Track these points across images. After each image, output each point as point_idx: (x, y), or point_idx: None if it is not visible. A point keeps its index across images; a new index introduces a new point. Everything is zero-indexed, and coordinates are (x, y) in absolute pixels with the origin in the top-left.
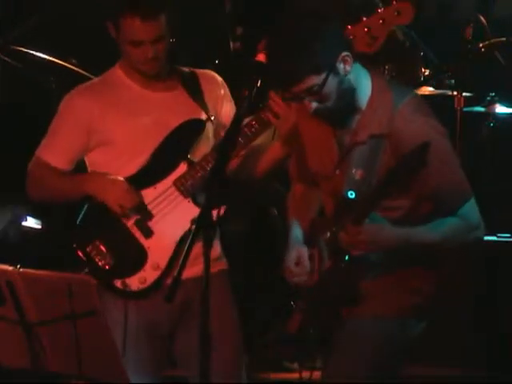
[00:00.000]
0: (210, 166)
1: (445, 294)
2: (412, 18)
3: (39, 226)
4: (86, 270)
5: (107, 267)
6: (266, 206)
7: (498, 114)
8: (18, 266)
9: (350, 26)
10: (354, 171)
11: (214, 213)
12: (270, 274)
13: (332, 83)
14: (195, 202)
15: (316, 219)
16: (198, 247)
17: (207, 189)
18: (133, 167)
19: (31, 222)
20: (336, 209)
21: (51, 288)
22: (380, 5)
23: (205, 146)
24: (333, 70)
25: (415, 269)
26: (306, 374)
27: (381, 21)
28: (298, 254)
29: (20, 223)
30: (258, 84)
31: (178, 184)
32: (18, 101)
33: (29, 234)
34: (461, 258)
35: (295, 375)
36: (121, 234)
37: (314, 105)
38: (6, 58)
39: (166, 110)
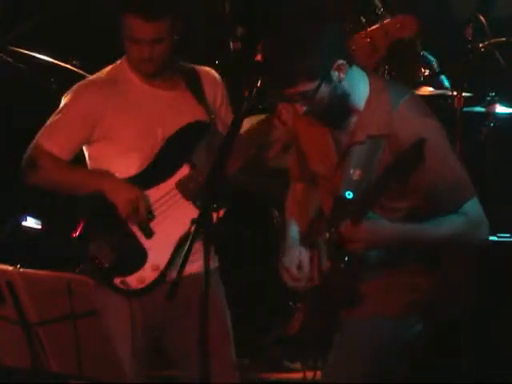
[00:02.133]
0: None
1: (445, 291)
2: (415, 32)
3: (39, 226)
4: (81, 266)
5: (107, 265)
6: (266, 207)
7: (498, 114)
8: (18, 266)
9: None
10: (352, 171)
11: (214, 214)
12: (271, 274)
13: (324, 90)
14: (196, 205)
15: (315, 219)
16: (195, 245)
17: (207, 190)
18: (136, 166)
19: (31, 222)
20: (334, 209)
21: (51, 288)
22: (381, 7)
23: (207, 148)
24: (326, 78)
25: (415, 266)
26: (309, 374)
27: (383, 32)
28: (299, 256)
29: (19, 223)
30: (258, 84)
31: (180, 186)
32: (18, 101)
33: (29, 234)
34: (462, 256)
35: (297, 375)
36: (122, 233)
37: (305, 108)
38: (9, 59)
39: (171, 109)
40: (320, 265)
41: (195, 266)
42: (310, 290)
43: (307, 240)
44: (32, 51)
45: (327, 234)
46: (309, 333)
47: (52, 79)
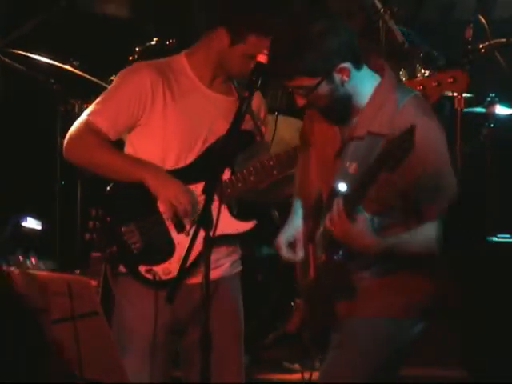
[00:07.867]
0: (252, 178)
1: (444, 295)
2: (466, 88)
3: (39, 227)
4: (109, 249)
5: (135, 251)
6: (266, 207)
7: (498, 114)
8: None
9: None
10: (348, 164)
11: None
12: (270, 274)
13: (324, 89)
14: (230, 211)
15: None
16: (219, 252)
17: (206, 189)
18: (175, 161)
19: (31, 223)
20: (329, 200)
21: (51, 289)
22: (381, 7)
23: (249, 157)
24: (327, 78)
25: (414, 268)
26: (306, 375)
27: (435, 83)
28: (294, 234)
29: (19, 224)
30: (258, 85)
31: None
32: (18, 102)
33: (29, 235)
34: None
35: (295, 376)
36: (155, 223)
37: (304, 102)
38: (7, 60)
39: (221, 114)
40: (316, 259)
41: (217, 271)
42: (307, 286)
43: (311, 215)
44: (31, 52)
45: (321, 227)
46: (307, 331)
47: (51, 80)
